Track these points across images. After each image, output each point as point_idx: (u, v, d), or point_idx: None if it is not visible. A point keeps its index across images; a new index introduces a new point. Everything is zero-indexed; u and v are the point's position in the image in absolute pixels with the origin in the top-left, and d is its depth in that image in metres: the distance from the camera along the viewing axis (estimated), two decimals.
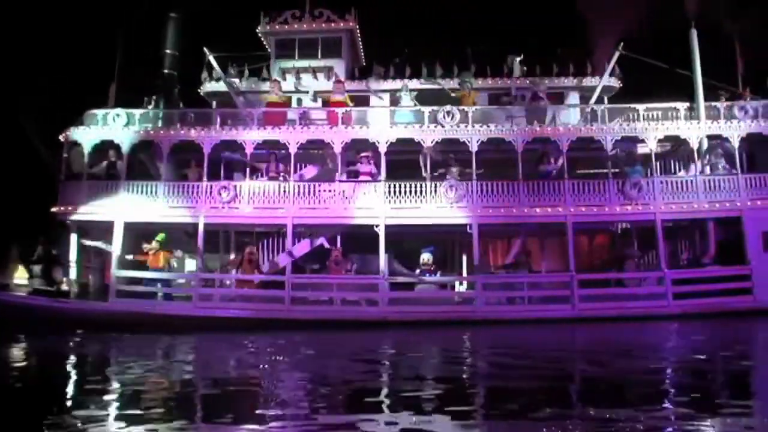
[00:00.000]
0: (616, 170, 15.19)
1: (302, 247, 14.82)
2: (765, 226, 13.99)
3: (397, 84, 16.36)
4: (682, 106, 14.98)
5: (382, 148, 14.41)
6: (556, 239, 15.36)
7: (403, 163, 14.90)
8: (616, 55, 16.15)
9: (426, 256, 13.94)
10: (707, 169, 14.81)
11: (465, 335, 11.42)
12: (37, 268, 15.86)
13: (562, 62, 16.87)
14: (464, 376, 6.97)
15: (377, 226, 13.92)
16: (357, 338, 11.63)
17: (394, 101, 16.00)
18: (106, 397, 5.66)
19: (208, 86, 17.15)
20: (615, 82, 16.77)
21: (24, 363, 8.71)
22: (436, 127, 14.47)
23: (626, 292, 13.77)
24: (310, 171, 15.76)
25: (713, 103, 15.02)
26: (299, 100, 16.82)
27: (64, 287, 14.54)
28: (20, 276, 17.01)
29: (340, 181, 14.58)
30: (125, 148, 14.63)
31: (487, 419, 4.64)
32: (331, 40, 17.11)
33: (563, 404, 5.09)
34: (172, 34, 16.70)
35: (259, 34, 17.34)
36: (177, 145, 14.71)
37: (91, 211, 14.31)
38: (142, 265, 14.16)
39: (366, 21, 18.24)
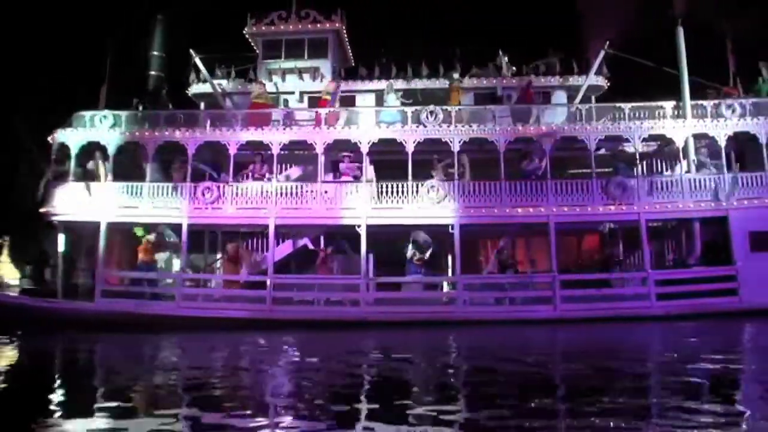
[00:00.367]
0: (609, 170, 15.05)
1: (285, 248, 14.88)
2: (751, 226, 13.80)
3: (382, 84, 16.38)
4: (669, 104, 14.82)
5: (365, 149, 14.42)
6: (544, 239, 15.27)
7: (388, 164, 14.90)
8: (602, 54, 16.03)
9: (411, 253, 13.89)
10: (694, 169, 14.64)
11: (450, 336, 11.40)
12: (28, 268, 16.15)
13: (550, 62, 16.78)
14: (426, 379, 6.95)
15: (359, 226, 13.94)
16: (339, 338, 11.64)
17: (381, 101, 16.01)
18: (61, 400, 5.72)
19: (196, 88, 17.28)
20: (602, 82, 16.67)
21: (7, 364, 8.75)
22: (418, 127, 14.45)
23: (609, 293, 13.60)
24: (296, 171, 15.84)
25: (700, 102, 14.83)
26: (285, 101, 16.89)
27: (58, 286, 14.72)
28: (10, 276, 17.30)
29: (323, 181, 14.62)
30: (111, 149, 14.77)
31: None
32: (317, 40, 17.18)
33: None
34: (160, 36, 16.85)
35: (247, 36, 17.44)
36: (162, 146, 14.84)
37: (77, 211, 14.47)
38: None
39: (356, 22, 18.30)
